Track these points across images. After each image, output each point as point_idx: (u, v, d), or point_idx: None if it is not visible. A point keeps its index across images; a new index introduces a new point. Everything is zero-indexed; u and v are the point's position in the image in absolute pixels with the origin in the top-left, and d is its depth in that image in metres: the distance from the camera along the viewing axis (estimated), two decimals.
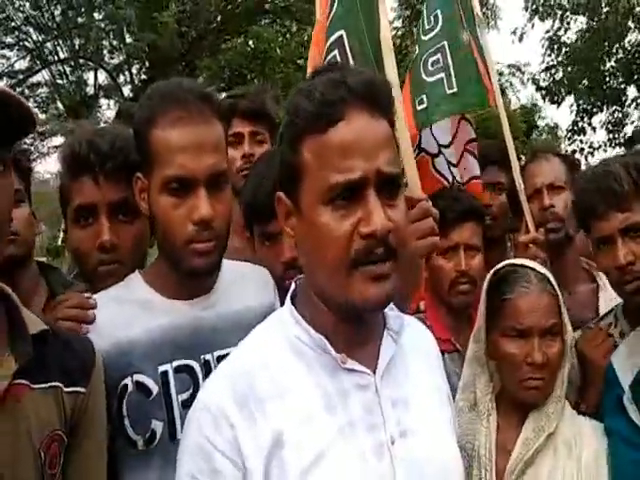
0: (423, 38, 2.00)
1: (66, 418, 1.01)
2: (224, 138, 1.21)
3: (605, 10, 12.19)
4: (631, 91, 13.24)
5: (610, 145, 13.11)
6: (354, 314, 0.92)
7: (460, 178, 2.06)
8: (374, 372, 0.94)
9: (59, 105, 10.93)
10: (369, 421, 0.91)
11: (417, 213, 1.29)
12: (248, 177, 1.63)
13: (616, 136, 13.16)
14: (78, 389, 1.04)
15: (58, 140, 9.88)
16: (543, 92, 13.61)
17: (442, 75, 1.87)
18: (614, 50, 12.86)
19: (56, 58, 10.70)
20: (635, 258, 1.39)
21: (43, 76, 10.97)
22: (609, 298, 1.81)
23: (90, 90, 11.34)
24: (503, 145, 1.97)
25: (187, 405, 1.07)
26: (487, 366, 1.45)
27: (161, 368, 1.16)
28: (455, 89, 1.87)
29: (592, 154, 13.29)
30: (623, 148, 12.93)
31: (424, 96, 1.92)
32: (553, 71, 13.57)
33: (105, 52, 10.72)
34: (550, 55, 13.52)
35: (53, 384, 1.00)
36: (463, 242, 1.76)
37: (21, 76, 10.59)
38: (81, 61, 10.73)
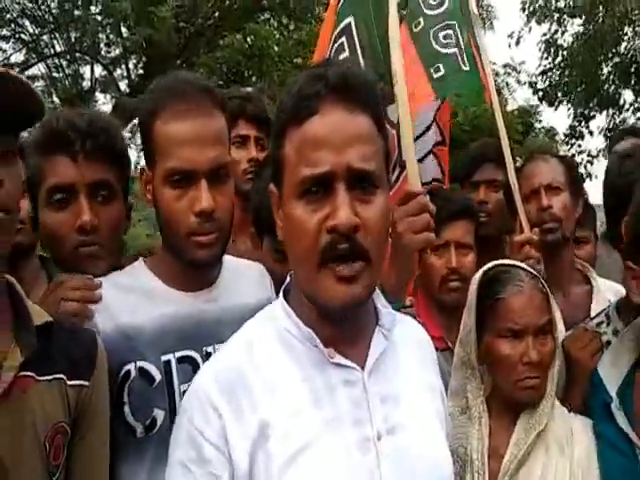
0: (428, 12, 1.94)
1: (70, 410, 1.01)
2: (227, 131, 1.23)
3: (602, 14, 12.21)
4: (628, 96, 13.28)
5: (609, 152, 13.10)
6: (327, 312, 0.92)
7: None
8: (363, 368, 0.94)
9: (55, 99, 10.87)
10: (355, 416, 0.91)
11: (413, 207, 1.30)
12: (255, 182, 1.67)
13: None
14: (82, 382, 1.04)
15: None
16: (540, 95, 13.64)
17: (455, 50, 1.84)
18: (610, 55, 12.89)
19: (52, 51, 10.65)
20: None
21: (39, 69, 10.91)
22: (602, 300, 1.81)
23: (86, 84, 11.30)
24: (500, 143, 1.96)
25: None
26: (477, 369, 1.43)
27: (164, 357, 1.17)
28: (468, 67, 1.86)
29: (591, 162, 13.29)
30: None
31: (440, 65, 1.89)
32: (550, 74, 13.59)
33: (102, 46, 10.66)
34: (547, 58, 13.55)
35: (57, 376, 1.01)
36: (454, 240, 1.77)
37: (17, 69, 10.51)
38: (77, 55, 10.68)
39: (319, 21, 10.26)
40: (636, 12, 11.87)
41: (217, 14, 10.73)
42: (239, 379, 0.92)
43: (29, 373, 0.97)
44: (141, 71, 11.16)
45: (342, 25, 1.65)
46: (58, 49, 10.66)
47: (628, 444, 1.32)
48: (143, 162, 1.27)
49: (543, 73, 13.72)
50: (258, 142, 2.00)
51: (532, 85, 13.88)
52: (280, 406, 0.91)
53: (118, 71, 11.47)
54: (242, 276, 1.32)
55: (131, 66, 11.33)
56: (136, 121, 10.59)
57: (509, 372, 1.37)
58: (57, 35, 10.43)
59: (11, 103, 0.93)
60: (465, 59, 1.91)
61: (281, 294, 1.01)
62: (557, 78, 13.50)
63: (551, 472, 1.34)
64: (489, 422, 1.41)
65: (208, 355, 1.19)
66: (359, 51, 1.60)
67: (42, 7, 10.21)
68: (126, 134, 10.44)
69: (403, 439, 0.96)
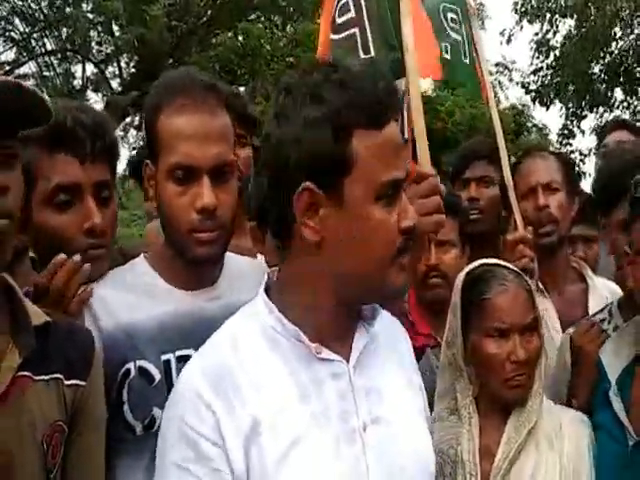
0: None
1: (67, 409, 1.01)
2: (231, 129, 1.22)
3: (593, 13, 12.30)
4: (618, 95, 13.38)
5: (599, 146, 13.20)
6: (373, 302, 1.00)
7: None
8: (347, 361, 0.95)
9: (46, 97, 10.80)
10: (342, 408, 0.93)
11: (425, 189, 1.28)
12: (256, 179, 1.65)
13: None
14: (78, 382, 1.03)
15: None
16: (532, 95, 13.71)
17: (460, 38, 1.82)
18: (601, 54, 12.98)
19: (43, 50, 10.59)
20: None
21: (30, 68, 10.84)
22: (599, 298, 1.82)
23: (78, 83, 11.24)
24: (492, 141, 1.95)
25: None
26: (465, 370, 1.44)
27: (164, 357, 1.17)
28: (468, 60, 1.84)
29: (582, 161, 13.37)
30: None
31: (448, 46, 1.86)
32: (542, 74, 13.67)
33: (93, 44, 10.62)
34: (539, 57, 13.63)
35: (54, 376, 1.00)
36: (434, 237, 1.75)
37: (7, 67, 10.45)
38: (68, 53, 10.62)
39: (312, 19, 10.26)
40: (627, 11, 11.97)
41: (209, 13, 10.71)
42: (227, 375, 0.92)
43: (27, 373, 0.97)
44: (133, 70, 11.12)
45: None
46: (49, 47, 10.60)
47: (621, 430, 1.34)
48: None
49: (535, 73, 13.81)
50: (239, 139, 1.93)
51: (524, 85, 13.96)
52: (268, 402, 0.91)
53: (110, 69, 11.43)
54: (245, 274, 1.30)
55: (123, 65, 11.29)
56: (128, 119, 10.50)
57: (497, 371, 1.38)
58: (48, 33, 10.37)
59: (17, 109, 0.92)
60: (466, 50, 1.88)
61: (262, 290, 1.00)
62: (549, 78, 13.58)
63: (542, 468, 1.35)
64: (479, 422, 1.42)
65: None
66: (366, 21, 1.58)
67: (32, 5, 10.14)
68: (119, 132, 10.40)
69: (386, 431, 0.97)
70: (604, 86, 13.35)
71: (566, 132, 14.09)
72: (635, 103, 13.30)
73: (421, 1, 1.80)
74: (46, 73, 10.85)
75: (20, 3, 10.07)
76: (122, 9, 8.56)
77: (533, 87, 13.78)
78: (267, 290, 1.01)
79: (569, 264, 1.97)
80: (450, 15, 1.88)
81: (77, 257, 1.16)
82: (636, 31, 12.54)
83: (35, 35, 10.54)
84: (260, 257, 1.63)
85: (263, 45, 9.62)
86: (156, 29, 8.92)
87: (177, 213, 1.17)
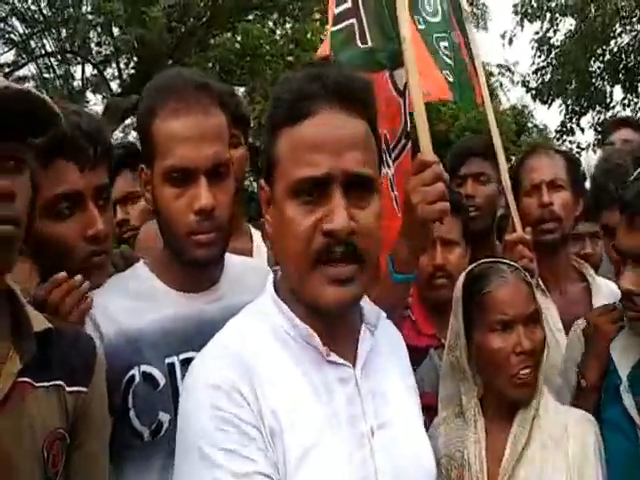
0: (428, 19, 1.91)
1: (68, 417, 1.00)
2: (226, 128, 1.21)
3: (593, 12, 12.27)
4: (617, 92, 13.36)
5: (599, 146, 13.21)
6: (318, 312, 0.92)
7: None
8: (354, 365, 0.95)
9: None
10: (350, 413, 0.93)
11: (428, 176, 1.26)
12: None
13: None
14: (80, 389, 1.03)
15: None
16: (533, 93, 13.68)
17: (452, 63, 1.83)
18: (601, 52, 12.96)
19: (42, 51, 10.57)
20: None
21: (30, 70, 10.83)
22: (603, 296, 1.81)
23: (77, 84, 11.22)
24: (488, 138, 1.94)
25: None
26: (468, 371, 1.43)
27: (168, 360, 1.16)
28: (457, 80, 1.84)
29: (579, 154, 13.37)
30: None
31: (448, 72, 1.86)
32: (542, 72, 13.64)
33: (92, 46, 10.60)
34: (540, 56, 13.60)
35: (56, 383, 1.00)
36: (440, 236, 1.74)
37: (7, 70, 10.43)
38: (68, 55, 10.61)
39: (311, 19, 10.25)
40: (627, 9, 11.94)
41: (208, 13, 10.69)
42: (249, 369, 0.91)
43: (27, 379, 0.96)
44: (132, 71, 11.10)
45: None
46: (48, 49, 10.59)
47: (632, 426, 1.34)
48: None
49: (536, 71, 13.78)
50: (232, 139, 1.99)
51: (525, 84, 13.94)
52: (286, 398, 0.91)
53: (109, 71, 11.41)
54: (245, 275, 1.30)
55: (122, 66, 11.27)
56: (128, 121, 10.48)
57: (503, 367, 1.37)
58: (47, 35, 10.35)
59: (25, 115, 0.93)
60: (454, 71, 1.89)
61: (272, 289, 1.00)
62: (549, 76, 13.55)
63: (549, 468, 1.35)
64: (485, 424, 1.41)
65: None
66: (360, 2, 1.56)
67: (32, 7, 10.13)
68: (118, 134, 10.39)
69: (392, 434, 0.97)
70: (604, 84, 13.33)
71: (565, 129, 14.07)
72: (635, 100, 13.27)
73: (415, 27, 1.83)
74: (46, 75, 10.85)
75: (19, 5, 10.05)
76: (122, 10, 8.54)
77: (533, 85, 13.75)
78: (276, 289, 1.00)
79: (570, 263, 1.97)
80: (442, 44, 1.91)
81: (79, 277, 1.16)
82: (637, 27, 12.51)
83: (34, 36, 10.52)
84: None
85: (262, 45, 9.61)
86: (156, 30, 8.89)
87: (175, 216, 1.16)
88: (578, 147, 13.73)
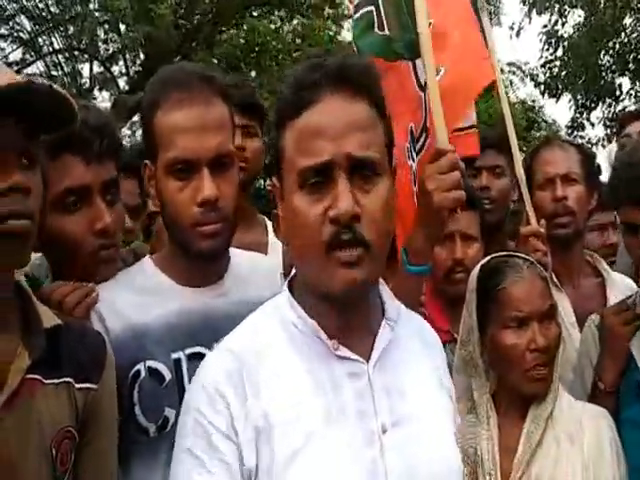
0: None
1: (77, 414, 1.00)
2: (230, 119, 1.20)
3: (603, 3, 12.15)
4: (625, 83, 13.23)
5: (608, 140, 13.12)
6: (330, 300, 0.92)
7: None
8: (368, 360, 0.94)
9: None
10: (359, 408, 0.91)
11: (443, 165, 1.26)
12: None
13: (614, 131, 13.15)
14: (90, 385, 1.02)
15: None
16: (541, 87, 13.59)
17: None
18: (610, 44, 12.84)
19: (50, 49, 10.61)
20: None
21: (38, 67, 10.87)
22: (618, 290, 1.79)
23: (85, 82, 11.26)
24: (502, 130, 1.92)
25: None
26: (481, 366, 1.42)
27: (174, 355, 1.15)
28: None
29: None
30: None
31: None
32: (551, 66, 13.53)
33: (100, 43, 10.62)
34: (548, 49, 13.49)
35: (65, 380, 0.99)
36: (459, 230, 1.74)
37: (15, 67, 10.49)
38: (76, 52, 10.64)
39: (317, 14, 10.22)
40: (637, 0, 11.82)
41: (214, 10, 10.68)
42: (244, 368, 0.92)
43: (36, 376, 0.96)
44: (140, 68, 11.12)
45: None
46: (56, 46, 10.62)
47: None
48: None
49: (544, 65, 13.68)
50: (247, 129, 1.95)
51: (533, 78, 13.84)
52: (283, 396, 0.91)
53: (117, 68, 11.45)
54: (251, 271, 1.30)
55: (130, 63, 11.30)
56: (135, 118, 10.53)
57: (517, 363, 1.36)
58: (55, 32, 10.38)
59: (46, 111, 0.93)
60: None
61: (286, 285, 1.00)
62: (558, 70, 13.45)
63: (563, 464, 1.34)
64: (497, 420, 1.39)
65: None
66: (382, 7, 1.56)
67: (39, 4, 10.16)
68: (126, 131, 10.41)
69: (409, 432, 0.95)
70: (613, 77, 13.21)
71: (575, 125, 13.97)
72: None
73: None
74: (54, 72, 10.88)
75: (27, 3, 10.09)
76: (129, 7, 8.56)
77: (542, 79, 13.65)
78: (291, 285, 1.00)
79: (584, 258, 1.95)
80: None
81: (92, 284, 1.18)
82: None
83: (42, 34, 10.56)
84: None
85: (269, 41, 9.60)
86: (163, 27, 8.91)
87: (179, 208, 1.16)
88: (589, 142, 13.62)
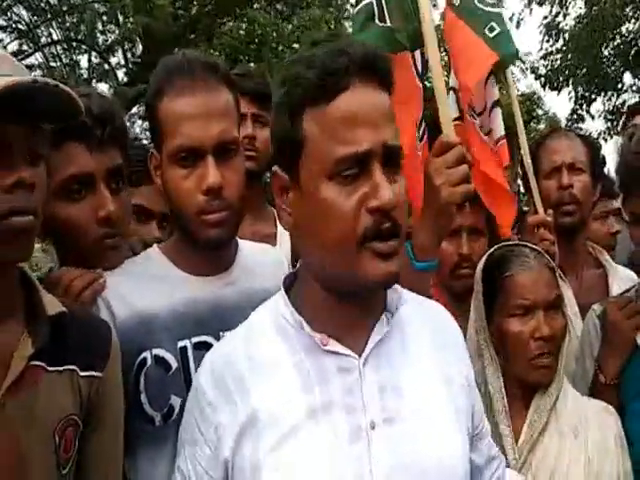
0: None
1: (81, 402, 1.00)
2: (234, 106, 1.19)
3: None
4: (627, 78, 13.20)
5: (609, 134, 13.11)
6: (357, 292, 0.90)
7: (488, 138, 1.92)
8: (362, 355, 0.92)
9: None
10: (347, 403, 0.89)
11: (451, 158, 1.23)
12: None
13: (615, 124, 13.14)
14: (94, 373, 1.02)
15: None
16: (542, 79, 13.55)
17: (500, 10, 1.78)
18: (612, 37, 12.79)
19: (49, 40, 10.55)
20: None
21: (36, 59, 10.82)
22: (620, 280, 1.80)
23: (83, 73, 11.20)
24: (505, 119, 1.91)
25: None
26: (491, 356, 1.42)
27: (180, 343, 1.15)
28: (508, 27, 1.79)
29: None
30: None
31: (493, 23, 1.79)
32: (552, 58, 13.49)
33: (98, 34, 10.57)
34: (548, 41, 13.45)
35: (69, 367, 0.99)
36: (466, 225, 1.73)
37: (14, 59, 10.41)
38: (74, 44, 10.59)
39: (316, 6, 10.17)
40: None
41: (213, 1, 10.63)
42: (229, 366, 0.93)
43: (40, 363, 0.96)
44: (138, 59, 11.07)
45: None
46: (55, 38, 10.57)
47: None
48: None
49: (544, 57, 13.63)
50: (258, 119, 1.95)
51: (534, 70, 13.80)
52: (270, 392, 0.91)
53: (115, 59, 11.40)
54: (258, 262, 1.30)
55: (128, 55, 11.25)
56: (134, 110, 10.46)
57: (521, 351, 1.36)
58: (54, 24, 10.33)
59: (51, 108, 0.93)
60: (506, 19, 1.84)
61: (282, 282, 1.00)
62: (559, 62, 13.40)
63: (565, 456, 1.33)
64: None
65: None
66: (384, 3, 1.56)
67: None
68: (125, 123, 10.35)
69: (403, 429, 0.92)
70: (614, 69, 13.17)
71: (575, 117, 13.94)
72: None
73: (453, 9, 1.80)
74: (52, 64, 10.83)
75: None
76: None
77: (542, 71, 13.61)
78: (293, 280, 0.99)
79: (587, 249, 1.96)
80: None
81: (99, 271, 1.18)
82: None
83: (42, 26, 10.50)
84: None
85: (269, 32, 9.55)
86: (161, 18, 8.86)
87: (184, 197, 1.15)
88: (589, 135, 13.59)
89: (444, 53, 2.82)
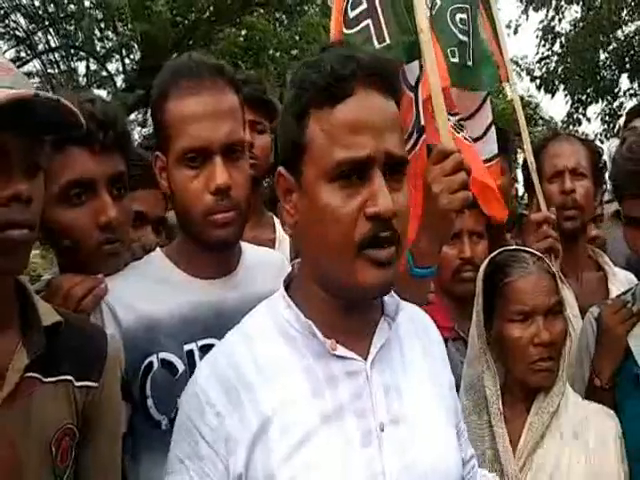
0: None
1: (77, 412, 0.99)
2: (240, 109, 1.20)
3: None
4: (624, 82, 13.25)
5: (605, 136, 13.14)
6: (353, 298, 0.91)
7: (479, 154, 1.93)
8: (366, 358, 0.93)
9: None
10: (357, 407, 0.90)
11: (449, 166, 1.24)
12: None
13: (611, 127, 13.18)
14: (89, 384, 1.02)
15: None
16: (537, 82, 13.59)
17: (467, 39, 1.78)
18: (608, 40, 12.85)
19: (46, 47, 10.56)
20: None
21: (34, 65, 10.81)
22: (620, 284, 1.81)
23: (82, 80, 11.20)
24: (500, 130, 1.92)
25: None
26: (489, 360, 1.43)
27: (186, 347, 1.15)
28: (471, 63, 1.80)
29: None
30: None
31: (455, 49, 1.80)
32: (547, 62, 13.54)
33: (96, 41, 10.58)
34: (544, 45, 13.50)
35: (64, 377, 0.99)
36: (467, 228, 1.74)
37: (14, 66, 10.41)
38: (72, 50, 10.59)
39: (316, 12, 10.19)
40: None
41: (212, 8, 10.65)
42: (238, 373, 0.91)
43: (35, 375, 0.96)
44: (136, 66, 11.08)
45: None
46: (52, 45, 10.57)
47: None
48: None
49: (540, 61, 13.68)
50: (256, 126, 1.95)
51: (530, 73, 13.85)
52: (280, 399, 0.90)
53: (113, 66, 11.40)
54: (262, 265, 1.30)
55: (127, 61, 11.26)
56: (133, 116, 10.44)
57: (521, 356, 1.37)
58: (51, 31, 10.33)
59: (53, 122, 0.93)
60: (470, 53, 1.85)
61: (282, 284, 0.99)
62: (554, 66, 13.45)
63: (565, 458, 1.34)
64: (504, 413, 1.40)
65: None
66: (378, 6, 1.55)
67: (36, 2, 10.11)
68: None
69: (406, 430, 0.94)
70: (610, 73, 13.22)
71: (571, 120, 13.98)
72: None
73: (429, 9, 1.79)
74: (50, 70, 10.83)
75: (23, 1, 10.03)
76: (126, 5, 8.52)
77: (538, 74, 13.66)
78: (289, 283, 0.99)
79: (587, 252, 1.97)
80: (459, 16, 1.84)
81: (100, 276, 1.17)
82: None
83: (39, 32, 10.51)
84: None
85: (268, 39, 9.57)
86: (160, 24, 8.87)
87: (191, 197, 1.15)
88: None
89: None
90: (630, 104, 12.41)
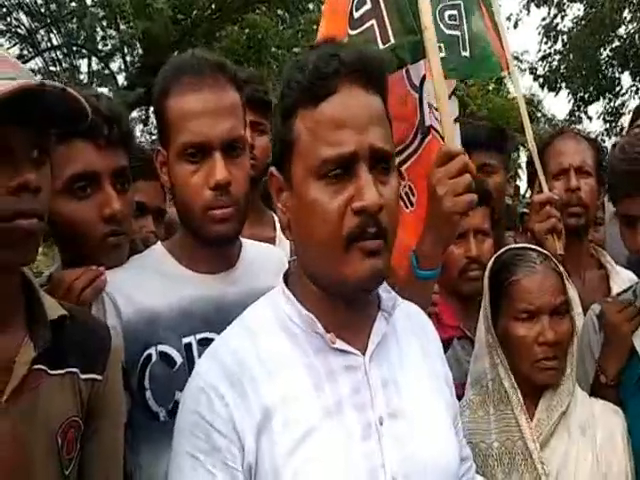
0: None
1: (82, 404, 1.00)
2: (241, 106, 1.20)
3: None
4: (626, 79, 13.23)
5: (607, 135, 13.12)
6: (346, 293, 0.91)
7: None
8: (364, 353, 0.93)
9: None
10: (356, 401, 0.91)
11: (454, 168, 1.24)
12: None
13: (613, 125, 13.17)
14: (94, 376, 1.03)
15: None
16: (540, 80, 13.58)
17: (458, 33, 1.77)
18: (610, 38, 12.82)
19: (49, 45, 10.56)
20: None
21: (37, 63, 10.82)
22: (622, 282, 1.81)
23: (84, 78, 11.21)
24: (491, 128, 1.92)
25: None
26: (502, 354, 1.42)
27: (185, 340, 1.16)
28: (468, 53, 1.79)
29: None
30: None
31: (442, 45, 1.76)
32: (550, 59, 13.52)
33: (98, 39, 10.58)
34: (547, 43, 13.48)
35: (70, 370, 0.99)
36: (473, 227, 1.74)
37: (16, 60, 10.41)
38: (74, 48, 10.59)
39: (317, 10, 10.18)
40: None
41: (214, 6, 10.64)
42: (242, 366, 0.92)
43: (42, 367, 0.97)
44: (138, 64, 11.08)
45: None
46: (55, 43, 10.57)
47: None
48: None
49: (542, 59, 13.66)
50: (257, 126, 1.96)
51: (532, 71, 13.83)
52: (282, 392, 0.91)
53: (115, 64, 11.40)
54: (262, 260, 1.31)
55: (128, 59, 11.26)
56: (135, 114, 10.44)
57: (526, 354, 1.37)
58: (53, 29, 10.34)
59: (60, 112, 0.94)
60: (466, 44, 1.83)
61: (281, 279, 1.00)
62: (557, 63, 13.43)
63: (573, 456, 1.34)
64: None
65: None
66: (382, 2, 1.55)
67: (38, 0, 10.11)
68: None
69: (404, 424, 0.95)
70: (613, 71, 13.20)
71: (573, 118, 13.97)
72: None
73: None
74: (52, 68, 10.84)
75: None
76: (128, 3, 8.51)
77: (541, 72, 13.64)
78: (287, 278, 1.00)
79: (589, 250, 1.97)
80: (448, 13, 1.81)
81: (102, 268, 1.18)
82: None
83: (41, 30, 10.51)
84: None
85: (270, 36, 9.56)
86: (161, 22, 8.87)
87: (191, 192, 1.16)
88: None
89: None
90: (632, 102, 12.42)
